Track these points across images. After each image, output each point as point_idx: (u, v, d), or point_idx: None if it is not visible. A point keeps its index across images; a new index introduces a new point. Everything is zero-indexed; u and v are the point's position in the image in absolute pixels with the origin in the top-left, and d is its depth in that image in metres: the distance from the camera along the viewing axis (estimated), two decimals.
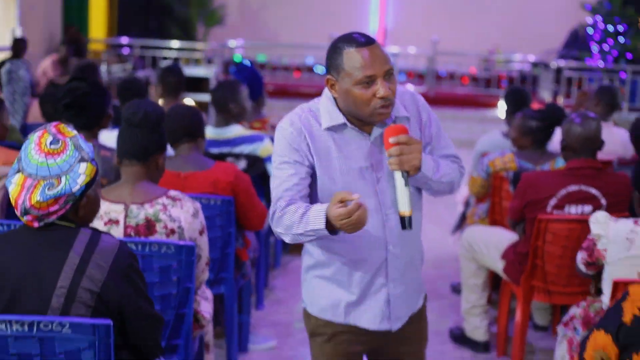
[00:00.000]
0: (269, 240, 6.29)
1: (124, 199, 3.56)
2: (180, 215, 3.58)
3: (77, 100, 4.46)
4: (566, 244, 4.55)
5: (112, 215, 3.55)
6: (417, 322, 3.29)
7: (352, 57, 2.84)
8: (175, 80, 6.52)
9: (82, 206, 2.78)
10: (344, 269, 3.10)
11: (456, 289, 6.44)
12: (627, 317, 2.45)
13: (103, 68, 12.67)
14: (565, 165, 4.64)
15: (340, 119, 2.96)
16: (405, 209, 2.83)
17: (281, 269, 6.88)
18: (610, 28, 15.54)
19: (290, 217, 2.85)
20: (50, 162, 2.69)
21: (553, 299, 4.79)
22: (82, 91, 4.47)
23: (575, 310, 4.00)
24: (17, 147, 5.10)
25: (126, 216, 3.54)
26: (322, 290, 3.17)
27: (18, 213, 2.71)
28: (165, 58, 15.29)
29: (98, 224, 3.54)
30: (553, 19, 18.65)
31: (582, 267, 3.86)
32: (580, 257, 3.82)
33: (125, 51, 15.72)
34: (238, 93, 5.52)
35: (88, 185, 2.75)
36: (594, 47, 15.77)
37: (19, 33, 13.17)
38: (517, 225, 4.91)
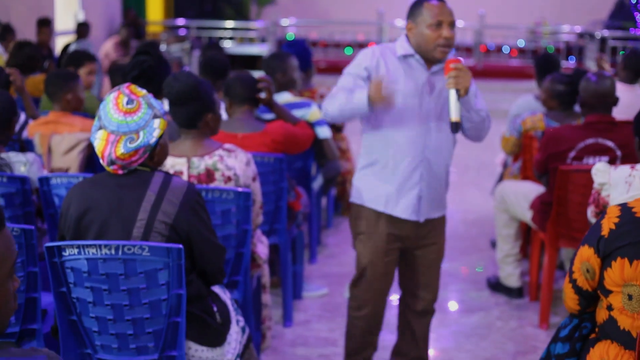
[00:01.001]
0: (320, 201, 6.81)
1: (186, 153, 4.11)
2: (235, 164, 4.12)
3: (144, 72, 5.01)
4: (585, 192, 4.98)
5: (176, 168, 4.09)
6: (439, 233, 4.35)
7: (429, 7, 3.93)
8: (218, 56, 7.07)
9: (156, 153, 3.33)
10: (389, 165, 4.09)
11: (495, 245, 6.92)
12: (604, 232, 2.91)
13: (162, 48, 13.26)
14: (584, 120, 5.09)
15: (411, 50, 4.02)
16: (457, 116, 3.85)
17: (333, 229, 7.42)
18: None
19: (342, 96, 3.96)
20: (129, 120, 3.22)
21: (577, 244, 5.25)
22: (148, 64, 5.02)
23: None
24: (91, 116, 5.69)
25: (189, 167, 4.09)
26: (369, 184, 4.16)
27: (104, 163, 3.24)
28: (220, 38, 15.85)
29: None
30: None
31: (594, 220, 4.23)
32: (590, 211, 4.19)
33: (182, 32, 16.31)
34: (286, 64, 6.03)
35: (161, 136, 3.30)
36: (638, 17, 15.97)
37: (81, 17, 13.83)
38: (542, 176, 5.37)
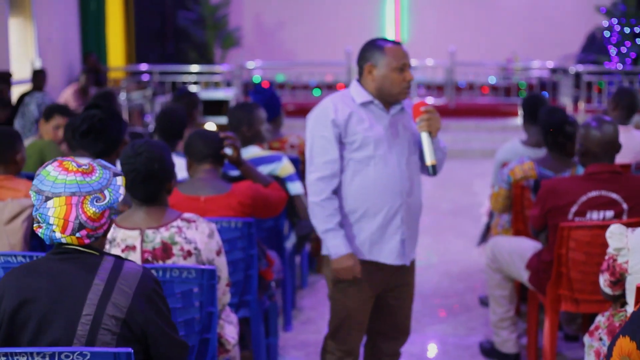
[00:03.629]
0: (294, 260, 6.28)
1: (139, 225, 3.60)
2: (195, 236, 3.60)
3: (94, 127, 4.52)
4: (589, 250, 4.50)
5: (128, 242, 3.57)
6: (411, 272, 4.28)
7: (392, 51, 3.95)
8: (184, 106, 6.58)
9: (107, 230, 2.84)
10: (368, 213, 4.01)
11: (484, 302, 6.40)
12: None
13: (123, 95, 12.74)
14: (584, 171, 4.60)
15: (369, 96, 4.01)
16: (432, 159, 3.95)
17: (309, 288, 6.85)
18: (627, 30, 15.45)
19: (323, 216, 3.96)
20: (89, 180, 2.74)
21: (581, 308, 4.73)
22: (98, 118, 4.53)
23: (600, 319, 3.91)
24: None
25: (142, 241, 3.57)
26: (347, 234, 4.02)
27: (67, 232, 2.72)
28: (184, 83, 15.35)
29: (115, 251, 3.58)
30: (569, 24, 18.54)
31: (608, 290, 3.71)
32: (603, 280, 3.69)
33: (145, 78, 15.79)
34: (252, 116, 5.51)
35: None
36: (612, 50, 15.67)
37: (38, 64, 13.27)
38: (540, 233, 4.87)
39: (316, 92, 17.49)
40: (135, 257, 3.57)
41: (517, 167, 5.45)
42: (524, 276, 5.01)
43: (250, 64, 16.55)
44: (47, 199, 2.71)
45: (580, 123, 4.75)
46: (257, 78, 17.61)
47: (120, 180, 2.82)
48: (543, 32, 18.74)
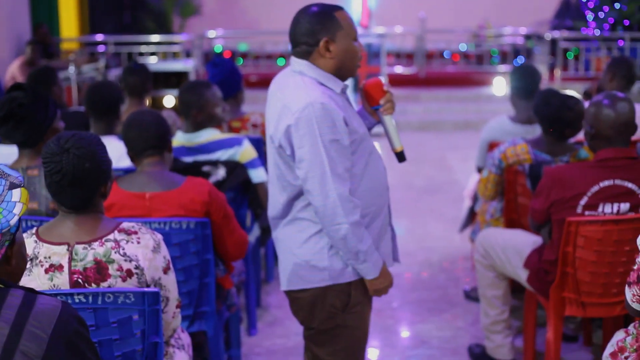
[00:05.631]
0: (258, 253, 5.61)
1: (67, 239, 2.89)
2: (137, 252, 2.90)
3: (14, 112, 3.80)
4: (600, 248, 3.88)
5: (53, 260, 2.87)
6: None
7: (345, 18, 3.23)
8: (137, 81, 5.89)
9: (15, 252, 2.20)
10: (376, 213, 3.30)
11: (470, 296, 5.78)
12: None
13: (72, 69, 11.94)
14: (595, 157, 3.96)
15: (339, 81, 3.27)
16: (401, 144, 3.40)
17: (275, 282, 6.17)
18: None
19: (362, 236, 3.17)
20: None
21: (588, 312, 4.12)
22: (18, 102, 3.80)
23: (627, 339, 3.22)
24: None
25: (71, 259, 2.87)
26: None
27: None
28: (141, 54, 14.55)
29: (38, 271, 2.88)
30: None
31: (637, 306, 3.02)
32: (631, 294, 3.00)
33: (101, 49, 14.97)
34: (204, 99, 4.76)
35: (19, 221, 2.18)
36: (589, 16, 15.07)
37: None
38: (542, 227, 4.23)
39: (280, 62, 16.75)
40: (63, 279, 2.87)
41: (510, 150, 4.82)
42: (521, 276, 4.38)
43: (211, 33, 15.73)
44: None
45: (589, 100, 4.11)
46: (218, 48, 16.84)
47: (17, 195, 2.17)
48: None
